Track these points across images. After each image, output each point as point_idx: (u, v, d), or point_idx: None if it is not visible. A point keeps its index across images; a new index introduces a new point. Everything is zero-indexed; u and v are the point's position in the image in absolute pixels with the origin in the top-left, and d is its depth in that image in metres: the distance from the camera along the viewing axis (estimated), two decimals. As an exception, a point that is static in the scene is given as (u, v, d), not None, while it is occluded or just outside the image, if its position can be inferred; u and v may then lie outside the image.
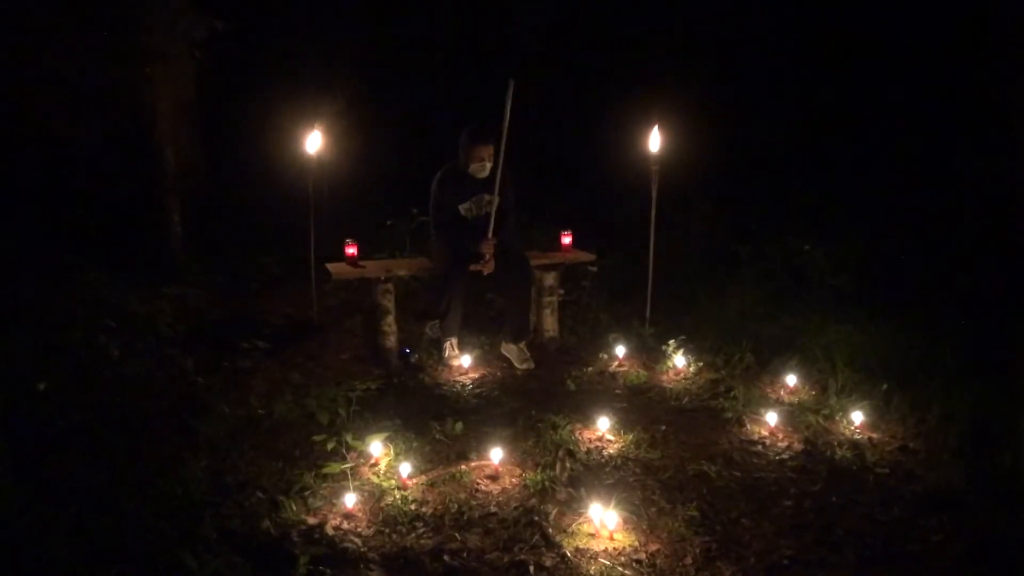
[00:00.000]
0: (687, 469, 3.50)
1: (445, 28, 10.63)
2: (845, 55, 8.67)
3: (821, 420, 3.94)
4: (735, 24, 9.46)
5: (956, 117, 7.20)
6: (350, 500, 3.11)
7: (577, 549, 2.84)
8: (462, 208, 4.85)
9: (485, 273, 4.84)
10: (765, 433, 3.87)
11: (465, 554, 2.82)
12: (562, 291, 5.38)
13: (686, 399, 4.33)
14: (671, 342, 4.83)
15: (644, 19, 9.75)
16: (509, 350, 4.94)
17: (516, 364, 4.87)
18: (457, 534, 2.94)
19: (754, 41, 9.33)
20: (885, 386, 4.16)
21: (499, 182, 4.76)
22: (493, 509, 3.13)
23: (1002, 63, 6.29)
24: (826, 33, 8.86)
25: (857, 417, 3.91)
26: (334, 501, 3.15)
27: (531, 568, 2.73)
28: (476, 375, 4.76)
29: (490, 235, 4.75)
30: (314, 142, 5.33)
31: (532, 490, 3.26)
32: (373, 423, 3.85)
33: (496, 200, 4.80)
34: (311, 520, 3.02)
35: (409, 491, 3.24)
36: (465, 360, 4.85)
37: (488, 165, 4.77)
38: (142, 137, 6.81)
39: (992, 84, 6.48)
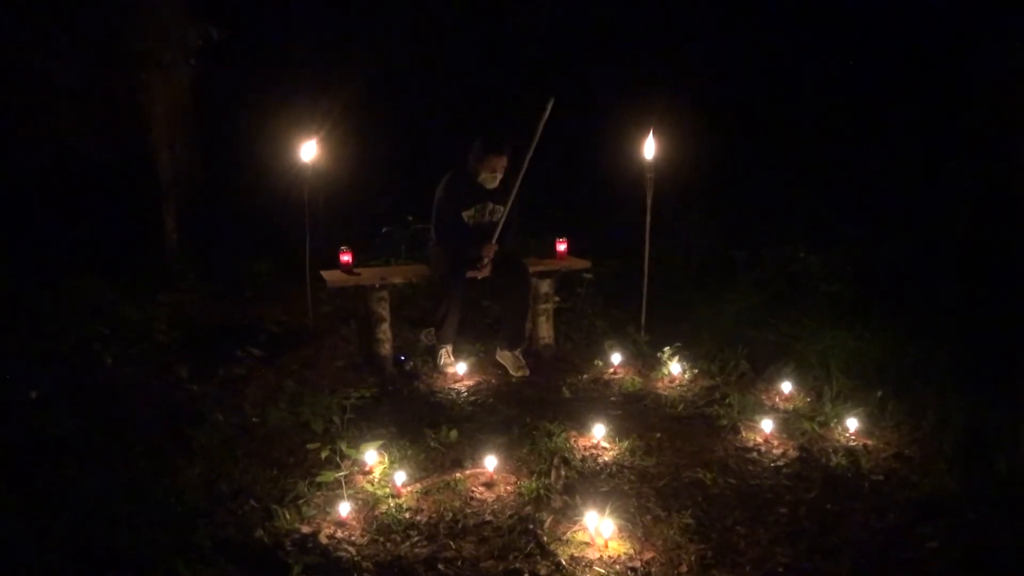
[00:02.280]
0: (682, 476, 3.50)
1: (443, 35, 10.63)
2: (840, 61, 8.71)
3: (816, 427, 3.94)
4: (730, 31, 9.50)
5: (951, 123, 7.23)
6: (344, 509, 3.10)
7: (572, 557, 2.83)
8: (465, 215, 4.84)
9: (479, 277, 4.83)
10: (760, 440, 3.87)
11: (460, 563, 2.81)
12: (557, 298, 5.38)
13: (681, 406, 4.33)
14: (666, 349, 4.83)
15: (639, 25, 9.78)
16: (504, 357, 4.94)
17: (511, 371, 4.86)
18: (452, 542, 2.93)
19: (749, 48, 9.36)
20: (880, 393, 4.15)
21: (513, 194, 4.75)
22: (488, 517, 3.12)
23: (997, 69, 6.32)
24: (821, 39, 8.90)
25: (852, 424, 3.92)
26: (328, 510, 3.14)
27: (526, 576, 2.72)
28: (471, 382, 4.76)
29: (494, 241, 4.75)
30: (309, 150, 5.33)
31: (527, 498, 3.25)
32: (368, 431, 3.84)
33: (504, 211, 4.78)
34: (305, 529, 3.01)
35: (403, 499, 3.23)
36: (460, 367, 4.85)
37: (499, 176, 4.74)
38: (137, 143, 6.80)
39: (987, 90, 6.51)
